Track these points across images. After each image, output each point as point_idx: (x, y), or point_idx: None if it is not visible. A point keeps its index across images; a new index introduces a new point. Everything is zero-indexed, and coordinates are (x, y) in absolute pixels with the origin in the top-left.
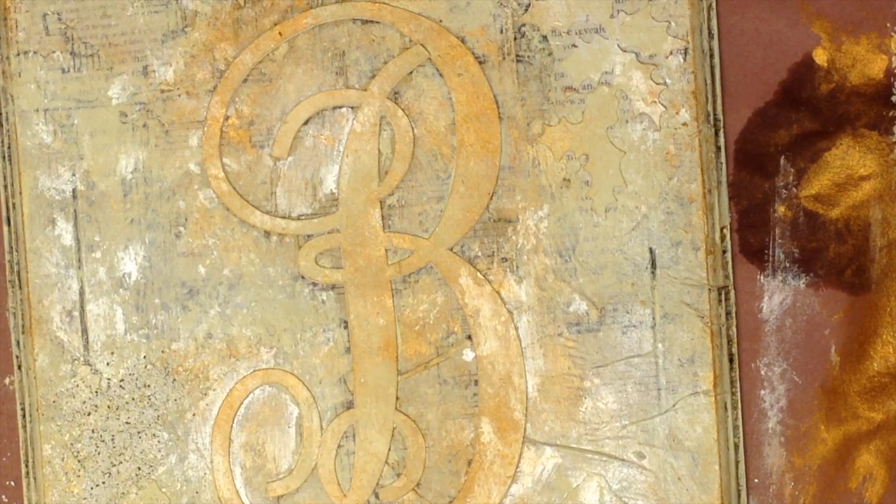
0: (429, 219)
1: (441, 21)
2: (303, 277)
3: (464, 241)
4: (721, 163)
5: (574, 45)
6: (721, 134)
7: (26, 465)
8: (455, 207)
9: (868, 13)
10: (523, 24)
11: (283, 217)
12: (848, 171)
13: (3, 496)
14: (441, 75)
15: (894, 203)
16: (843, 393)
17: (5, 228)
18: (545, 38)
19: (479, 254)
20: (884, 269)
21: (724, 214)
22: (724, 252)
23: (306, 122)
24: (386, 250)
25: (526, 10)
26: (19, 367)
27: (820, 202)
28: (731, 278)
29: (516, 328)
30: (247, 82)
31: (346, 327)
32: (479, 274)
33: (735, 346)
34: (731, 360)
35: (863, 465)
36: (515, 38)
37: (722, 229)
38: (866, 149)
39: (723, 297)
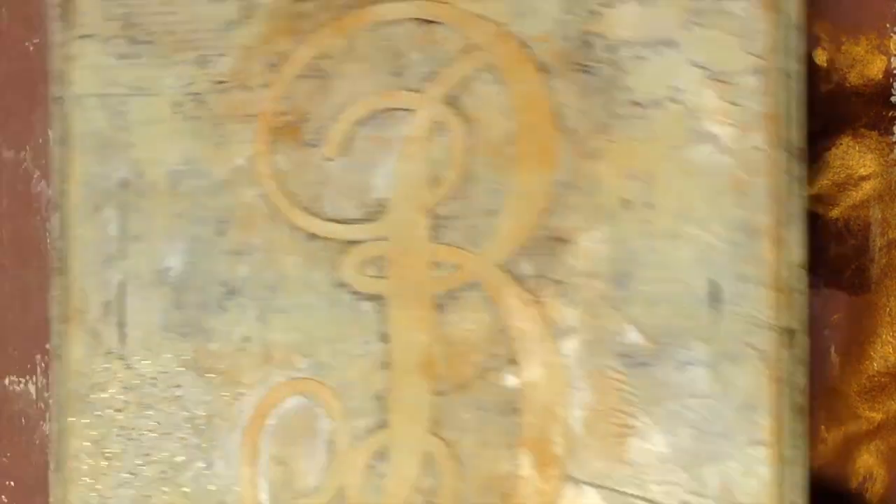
0: (479, 233)
1: (504, 25)
2: (345, 285)
3: (514, 258)
4: (799, 194)
5: (642, 58)
6: (799, 161)
7: (54, 459)
8: (507, 222)
9: (868, 13)
10: (590, 33)
11: (330, 220)
12: (848, 171)
13: (3, 496)
14: (501, 82)
15: (894, 203)
16: (843, 393)
17: (56, 215)
18: (612, 48)
19: (530, 273)
20: (884, 269)
21: (798, 250)
22: (795, 291)
23: (360, 123)
24: (432, 262)
25: (594, 18)
26: (58, 357)
27: (820, 202)
28: (803, 320)
29: (564, 356)
30: (302, 78)
31: (385, 341)
32: (527, 295)
33: (803, 396)
34: (795, 411)
35: (863, 465)
36: (581, 47)
37: (794, 266)
38: (866, 149)
39: (789, 339)
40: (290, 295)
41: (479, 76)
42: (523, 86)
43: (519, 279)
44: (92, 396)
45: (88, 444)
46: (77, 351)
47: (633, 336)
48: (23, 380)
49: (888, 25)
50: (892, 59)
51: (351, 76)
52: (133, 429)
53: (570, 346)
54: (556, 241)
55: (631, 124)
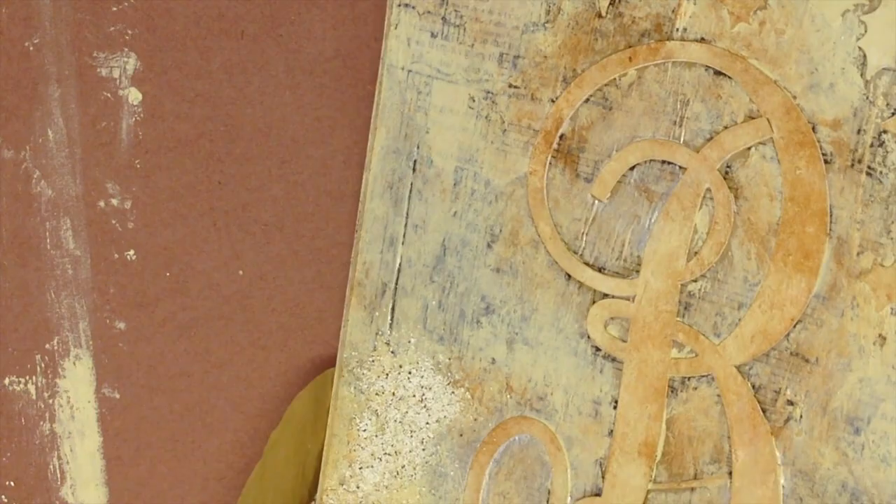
0: (724, 323)
1: (796, 97)
2: (589, 338)
3: (755, 363)
4: None
5: None
6: None
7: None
8: (752, 322)
9: None
10: (885, 132)
11: (587, 264)
12: None
13: (3, 496)
14: (779, 161)
15: None
16: None
17: (365, 175)
18: None
19: (766, 384)
20: None
21: None
22: None
23: (633, 168)
24: (673, 341)
25: (893, 115)
26: (344, 320)
27: None
28: None
29: (782, 487)
30: (589, 103)
31: (615, 407)
32: (759, 409)
33: None
34: None
35: None
36: (872, 145)
37: None
38: None
39: None
40: (539, 331)
41: (759, 149)
42: (799, 173)
43: (755, 387)
44: (357, 371)
45: (348, 414)
46: (353, 321)
47: (856, 491)
48: (23, 380)
49: None
50: None
51: (633, 113)
52: (385, 416)
53: (790, 479)
54: (800, 359)
55: None
